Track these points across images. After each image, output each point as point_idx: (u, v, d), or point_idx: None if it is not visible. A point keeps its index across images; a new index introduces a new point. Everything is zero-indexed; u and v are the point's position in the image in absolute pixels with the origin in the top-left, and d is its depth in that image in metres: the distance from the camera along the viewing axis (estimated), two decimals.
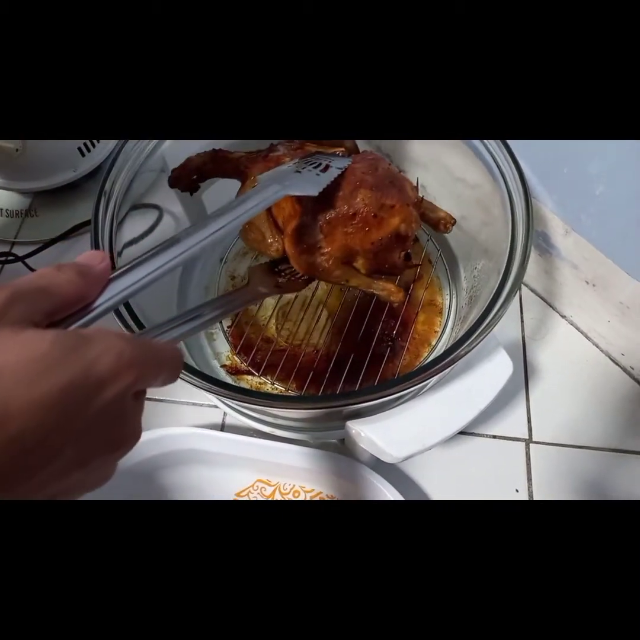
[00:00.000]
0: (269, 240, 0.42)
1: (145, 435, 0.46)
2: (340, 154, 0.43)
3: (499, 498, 0.48)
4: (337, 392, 0.47)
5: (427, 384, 0.38)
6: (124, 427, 0.22)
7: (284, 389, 0.50)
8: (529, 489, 0.48)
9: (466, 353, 0.35)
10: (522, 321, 0.57)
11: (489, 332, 0.36)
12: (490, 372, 0.40)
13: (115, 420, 0.21)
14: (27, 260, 0.57)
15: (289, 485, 0.49)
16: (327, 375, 0.49)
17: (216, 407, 0.52)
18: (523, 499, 0.48)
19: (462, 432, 0.51)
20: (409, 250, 0.41)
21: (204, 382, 0.35)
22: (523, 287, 0.58)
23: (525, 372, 0.54)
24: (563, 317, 0.56)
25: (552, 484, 0.49)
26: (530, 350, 0.55)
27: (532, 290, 0.58)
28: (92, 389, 0.20)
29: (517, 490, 0.48)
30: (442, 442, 0.38)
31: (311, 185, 0.35)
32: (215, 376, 0.38)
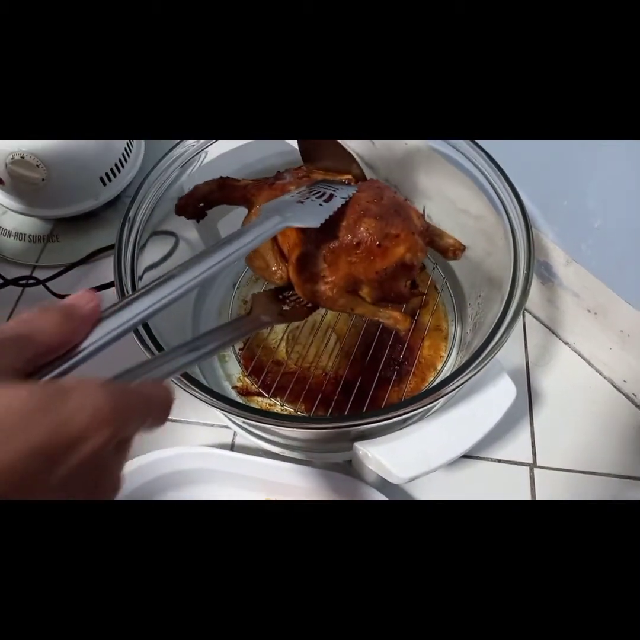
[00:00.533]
0: (273, 268, 0.42)
1: (155, 455, 0.48)
2: (346, 182, 0.44)
3: None
4: (345, 414, 0.49)
5: (433, 407, 0.39)
6: (103, 479, 0.22)
7: (293, 410, 0.51)
8: None
9: (470, 378, 0.37)
10: (525, 347, 0.58)
11: (492, 358, 0.37)
12: (494, 396, 0.41)
13: (91, 474, 0.21)
14: (48, 284, 0.59)
15: None
16: (336, 397, 0.50)
17: (227, 427, 0.53)
18: None
19: (466, 456, 0.52)
20: (415, 279, 0.42)
21: (215, 401, 0.36)
22: (527, 314, 0.60)
23: (529, 398, 0.55)
24: (566, 343, 0.58)
25: None
26: (534, 376, 0.56)
27: (536, 317, 0.59)
28: (64, 448, 0.19)
29: None
30: (446, 464, 0.39)
31: (312, 217, 0.36)
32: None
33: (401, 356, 0.53)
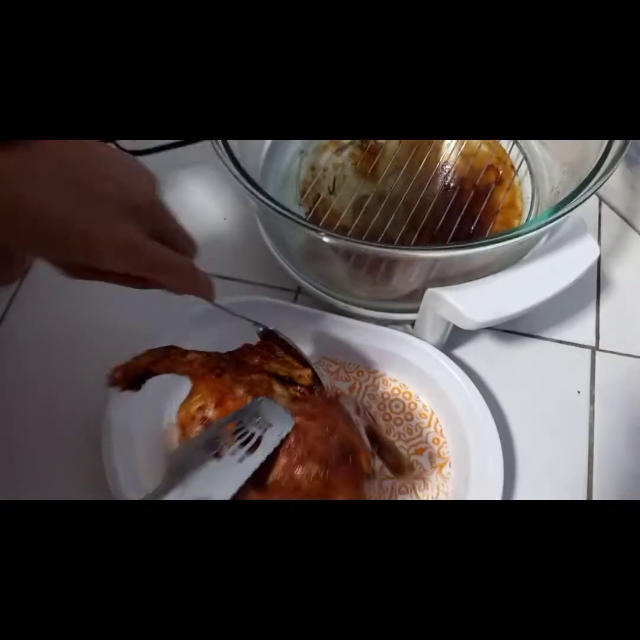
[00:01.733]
0: None
1: (218, 301, 0.48)
2: (298, 389, 0.39)
3: (558, 399, 0.49)
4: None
5: (514, 254, 0.38)
6: None
7: None
8: (591, 392, 0.49)
9: (554, 221, 0.35)
10: (599, 236, 0.56)
11: (580, 203, 0.36)
12: (576, 253, 0.40)
13: None
14: None
15: (353, 365, 0.50)
16: None
17: (287, 289, 0.53)
18: (584, 401, 0.48)
19: (527, 335, 0.52)
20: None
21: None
22: (603, 205, 0.57)
23: (598, 283, 0.54)
24: None
25: (614, 389, 0.49)
26: (605, 265, 0.55)
27: (613, 208, 0.57)
28: None
29: (579, 392, 0.49)
30: (521, 314, 0.39)
31: (222, 488, 0.32)
32: None
33: (472, 230, 0.52)
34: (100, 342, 0.51)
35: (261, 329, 0.41)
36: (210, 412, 0.39)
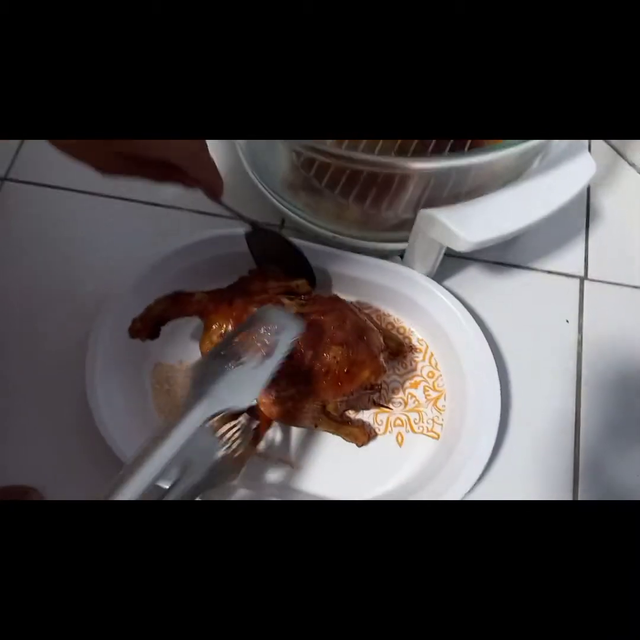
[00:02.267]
0: None
1: (196, 236, 0.46)
2: (300, 297, 0.42)
3: (546, 327, 0.48)
4: None
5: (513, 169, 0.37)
6: None
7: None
8: (579, 321, 0.49)
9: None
10: None
11: None
12: (572, 171, 0.39)
13: None
14: None
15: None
16: None
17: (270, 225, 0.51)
18: (572, 330, 0.48)
19: (516, 265, 0.51)
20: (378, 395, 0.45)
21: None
22: None
23: (587, 213, 0.53)
24: (632, 165, 0.54)
25: (603, 318, 0.49)
26: (594, 193, 0.54)
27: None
28: None
29: (567, 321, 0.49)
30: (517, 233, 0.37)
31: (244, 395, 0.33)
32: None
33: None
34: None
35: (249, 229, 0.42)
36: (233, 337, 0.40)
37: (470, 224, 0.37)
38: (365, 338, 0.40)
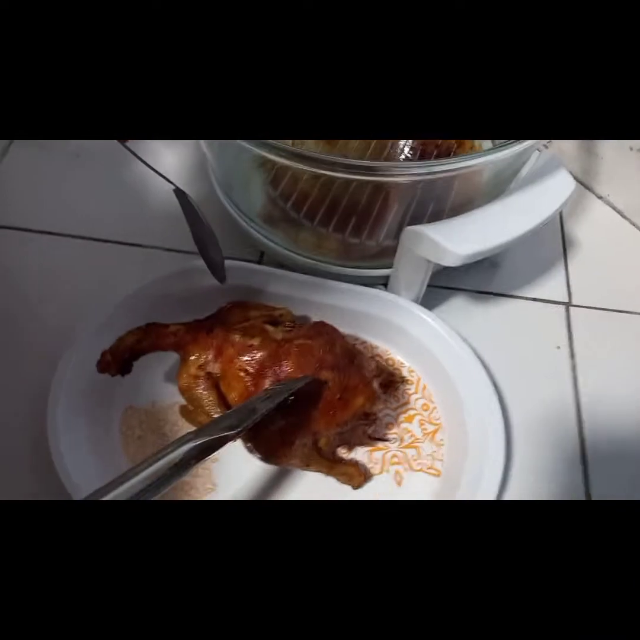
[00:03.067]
0: None
1: (171, 268, 0.44)
2: (284, 324, 0.40)
3: (539, 354, 0.47)
4: None
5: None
6: None
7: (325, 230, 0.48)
8: (570, 347, 0.47)
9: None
10: None
11: None
12: (553, 187, 0.39)
13: None
14: None
15: None
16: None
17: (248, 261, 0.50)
18: (564, 355, 0.47)
19: (500, 294, 0.50)
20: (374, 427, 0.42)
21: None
22: None
23: (563, 242, 0.53)
24: (600, 197, 0.56)
25: (594, 343, 0.48)
26: (568, 225, 0.55)
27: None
28: None
29: (558, 347, 0.47)
30: (505, 246, 0.37)
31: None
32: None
33: None
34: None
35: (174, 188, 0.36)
36: (213, 365, 0.38)
37: (457, 237, 0.36)
38: (356, 362, 0.38)
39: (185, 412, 0.40)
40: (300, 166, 0.34)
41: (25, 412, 0.41)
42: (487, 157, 0.33)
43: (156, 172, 0.36)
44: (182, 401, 0.39)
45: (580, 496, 0.41)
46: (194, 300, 0.44)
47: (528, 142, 0.34)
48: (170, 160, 0.56)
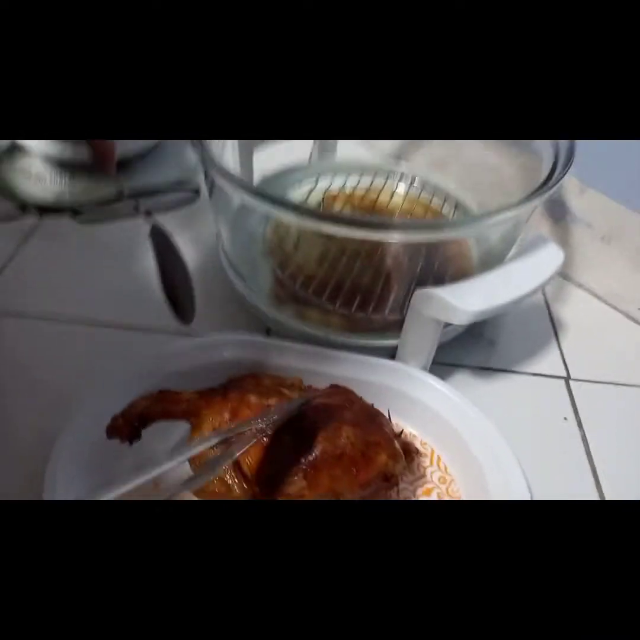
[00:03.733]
0: (237, 493, 0.35)
1: (181, 343, 0.44)
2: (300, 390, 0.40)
3: (547, 426, 0.47)
4: None
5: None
6: None
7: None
8: (577, 417, 0.48)
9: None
10: (543, 292, 0.60)
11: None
12: (545, 257, 0.43)
13: None
14: None
15: None
16: None
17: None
18: (572, 426, 0.47)
19: (501, 370, 0.51)
20: (396, 492, 0.40)
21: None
22: None
23: (551, 322, 0.56)
24: (579, 286, 0.61)
25: (599, 414, 0.48)
26: (554, 309, 0.58)
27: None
28: None
29: (565, 418, 0.48)
30: (514, 304, 0.39)
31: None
32: None
33: (435, 269, 0.54)
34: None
35: None
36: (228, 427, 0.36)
37: (465, 297, 0.38)
38: (376, 420, 0.37)
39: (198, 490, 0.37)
40: (306, 225, 0.36)
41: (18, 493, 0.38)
42: (493, 219, 0.36)
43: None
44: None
45: None
46: (201, 376, 0.44)
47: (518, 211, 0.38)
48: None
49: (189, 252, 0.58)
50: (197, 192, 0.69)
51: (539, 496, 0.41)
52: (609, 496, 0.42)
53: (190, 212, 0.67)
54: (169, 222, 0.63)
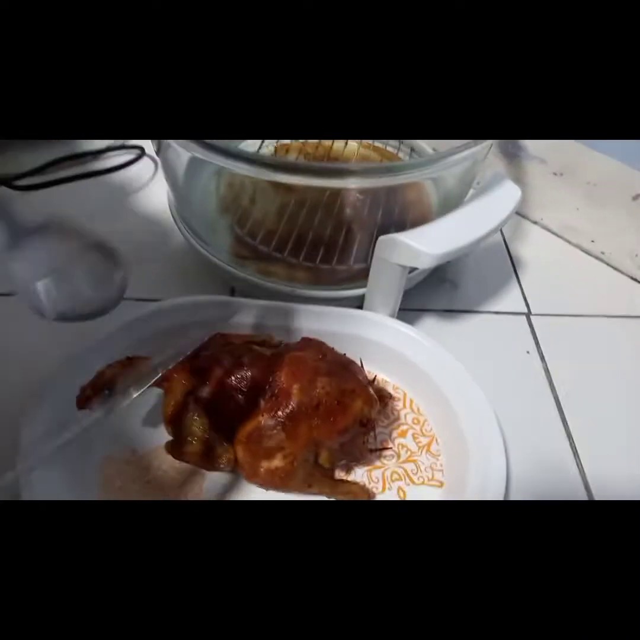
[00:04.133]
0: (218, 451, 0.36)
1: (147, 307, 0.43)
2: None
3: (512, 361, 0.49)
4: None
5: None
6: None
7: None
8: (539, 351, 0.50)
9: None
10: (501, 231, 0.61)
11: None
12: (503, 196, 0.43)
13: None
14: None
15: None
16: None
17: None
18: (535, 359, 0.49)
19: (466, 311, 0.52)
20: (373, 437, 0.41)
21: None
22: None
23: (510, 260, 0.58)
24: (535, 223, 0.62)
25: (557, 346, 0.50)
26: (513, 247, 0.59)
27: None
28: None
29: (528, 352, 0.50)
30: (476, 243, 0.39)
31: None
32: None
33: (396, 217, 0.54)
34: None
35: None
36: (202, 390, 0.36)
37: (428, 241, 0.38)
38: (350, 368, 0.37)
39: (172, 448, 0.37)
40: (260, 176, 0.35)
41: None
42: (454, 156, 0.36)
43: None
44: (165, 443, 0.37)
45: (573, 470, 0.41)
46: (168, 340, 0.43)
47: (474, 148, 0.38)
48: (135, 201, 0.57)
49: (142, 214, 0.56)
50: (142, 150, 0.66)
51: (506, 425, 0.44)
52: (572, 423, 0.45)
53: (136, 172, 0.63)
54: (116, 184, 0.61)
